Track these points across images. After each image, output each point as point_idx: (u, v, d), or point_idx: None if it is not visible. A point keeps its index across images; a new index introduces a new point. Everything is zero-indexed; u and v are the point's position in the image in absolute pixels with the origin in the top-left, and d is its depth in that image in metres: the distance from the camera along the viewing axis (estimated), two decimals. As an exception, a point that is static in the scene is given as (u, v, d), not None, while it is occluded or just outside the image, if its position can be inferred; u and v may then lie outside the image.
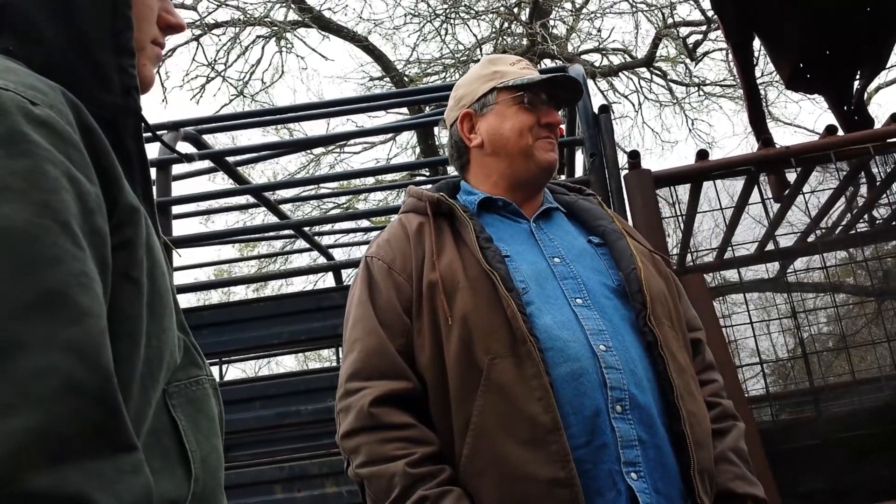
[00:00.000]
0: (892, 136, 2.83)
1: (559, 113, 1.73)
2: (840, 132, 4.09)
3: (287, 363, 10.73)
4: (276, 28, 10.10)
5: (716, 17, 5.40)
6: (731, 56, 4.76)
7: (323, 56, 12.31)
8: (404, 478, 1.32)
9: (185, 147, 3.42)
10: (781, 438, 2.52)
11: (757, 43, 4.59)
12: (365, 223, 7.96)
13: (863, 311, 4.45)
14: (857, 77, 4.49)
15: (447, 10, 10.52)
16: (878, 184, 3.36)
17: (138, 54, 0.94)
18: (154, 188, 1.02)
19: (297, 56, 10.56)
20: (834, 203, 3.34)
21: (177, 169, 3.57)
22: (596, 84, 11.34)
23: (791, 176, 3.29)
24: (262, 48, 10.47)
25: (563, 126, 4.02)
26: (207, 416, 0.90)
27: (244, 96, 10.24)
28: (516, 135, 1.61)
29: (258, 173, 10.43)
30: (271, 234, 4.73)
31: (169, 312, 0.85)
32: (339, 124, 9.26)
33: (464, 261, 1.47)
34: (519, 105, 1.62)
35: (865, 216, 3.68)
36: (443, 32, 10.70)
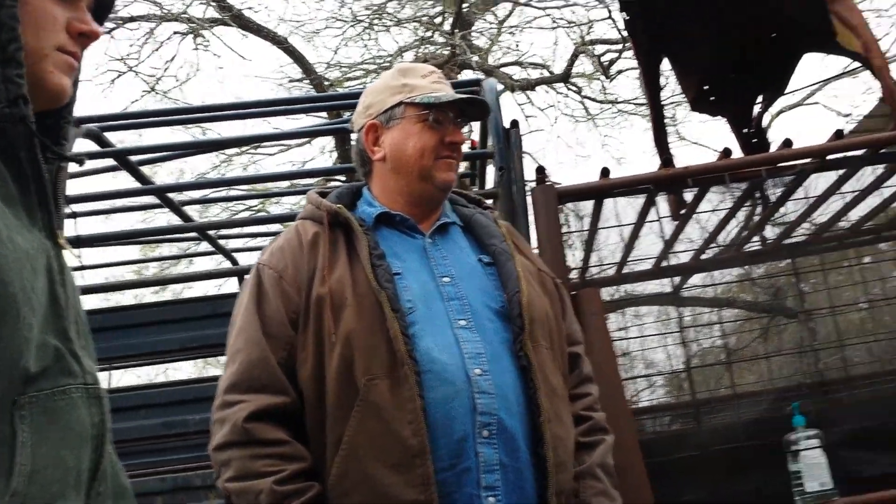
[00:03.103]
0: (783, 160, 2.96)
1: (464, 130, 1.75)
2: (738, 154, 4.26)
3: (188, 370, 10.46)
4: (193, 25, 9.88)
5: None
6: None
7: (241, 56, 12.09)
8: (270, 495, 1.32)
9: (87, 145, 3.32)
10: (665, 449, 2.62)
11: (667, 64, 4.75)
12: (278, 227, 7.84)
13: (754, 326, 4.65)
14: (759, 101, 4.70)
15: (370, 17, 10.50)
16: (770, 205, 3.51)
17: (42, 62, 0.99)
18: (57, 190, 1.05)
19: (214, 55, 10.35)
20: (727, 222, 3.48)
21: (75, 166, 3.45)
22: (514, 97, 11.51)
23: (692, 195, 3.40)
24: (179, 45, 10.23)
25: (476, 139, 4.08)
26: (65, 426, 0.91)
27: (156, 92, 9.98)
28: (418, 154, 1.62)
29: (167, 172, 10.19)
30: (172, 236, 4.62)
31: (10, 322, 0.85)
32: (255, 124, 9.12)
33: (354, 277, 1.48)
34: (424, 123, 1.63)
35: (757, 235, 3.85)
36: (365, 38, 10.68)
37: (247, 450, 1.37)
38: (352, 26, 10.56)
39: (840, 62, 9.60)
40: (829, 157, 2.92)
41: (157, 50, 10.05)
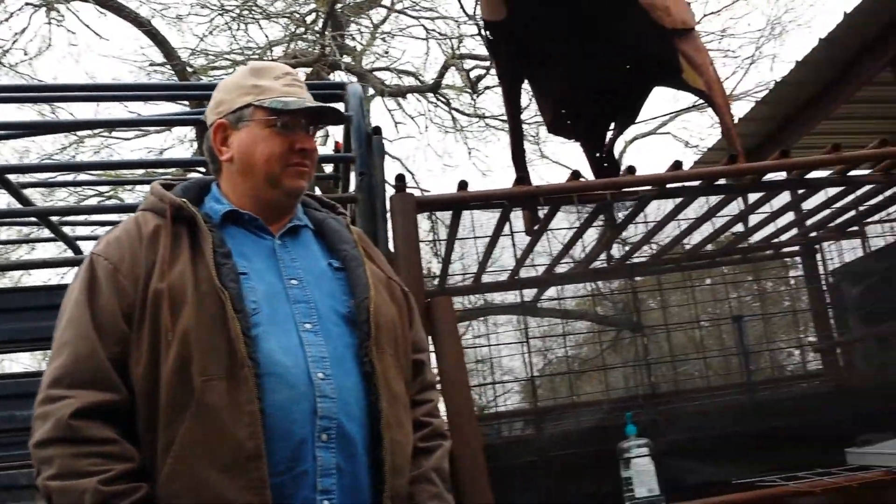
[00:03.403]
0: (626, 185, 3.13)
1: (319, 134, 1.73)
2: (588, 177, 4.46)
3: (27, 362, 9.75)
4: (47, -3, 9.30)
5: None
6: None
7: (98, 34, 11.37)
8: (95, 495, 1.27)
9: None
10: (508, 454, 2.72)
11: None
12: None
13: (602, 339, 4.92)
14: (611, 128, 4.96)
15: (240, 7, 10.23)
16: (615, 226, 3.70)
17: None
18: None
19: (69, 31, 9.73)
20: (576, 241, 3.64)
21: None
22: (384, 102, 11.54)
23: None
24: (30, 17, 9.59)
25: (340, 141, 4.07)
26: None
27: (2, 65, 9.31)
28: (264, 161, 1.57)
29: (10, 150, 9.51)
30: (9, 220, 4.32)
31: None
32: (111, 107, 8.68)
33: (197, 274, 1.43)
34: (273, 128, 1.58)
35: (604, 254, 4.06)
36: (234, 27, 10.40)
37: (71, 447, 1.30)
38: (220, 14, 10.26)
39: (690, 97, 10.30)
40: (669, 185, 3.12)
41: (6, 21, 9.39)
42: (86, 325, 1.40)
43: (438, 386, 2.18)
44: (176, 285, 1.41)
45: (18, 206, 3.43)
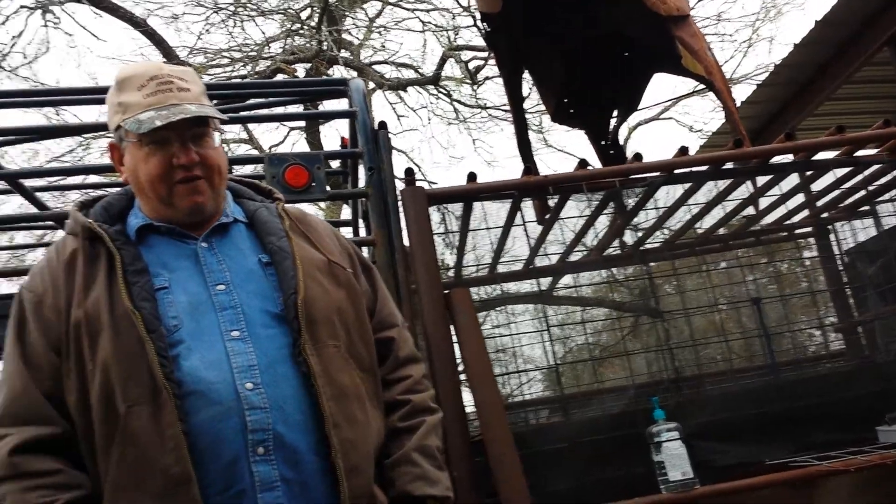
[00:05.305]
0: (634, 172, 3.13)
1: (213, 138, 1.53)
2: (596, 165, 4.46)
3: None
4: (42, 1, 9.27)
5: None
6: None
7: (95, 36, 11.36)
8: None
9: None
10: (537, 441, 2.70)
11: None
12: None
13: (621, 325, 4.92)
14: (614, 116, 4.96)
15: (235, 5, 10.19)
16: (626, 213, 3.70)
17: None
18: None
19: (66, 33, 9.73)
20: (588, 228, 3.65)
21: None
22: (385, 96, 11.50)
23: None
24: (26, 20, 9.57)
25: (347, 136, 4.05)
26: None
27: (2, 69, 9.30)
28: (149, 184, 1.48)
29: (17, 153, 9.49)
30: (26, 224, 4.31)
31: None
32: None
33: (112, 297, 1.38)
34: (147, 147, 1.47)
35: (617, 241, 4.06)
36: (230, 25, 10.36)
37: (19, 483, 1.32)
38: (215, 12, 10.22)
39: (689, 81, 10.28)
40: (677, 171, 3.12)
41: (2, 24, 9.38)
42: (17, 362, 1.40)
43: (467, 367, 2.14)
44: (91, 312, 1.37)
45: (34, 209, 3.43)
